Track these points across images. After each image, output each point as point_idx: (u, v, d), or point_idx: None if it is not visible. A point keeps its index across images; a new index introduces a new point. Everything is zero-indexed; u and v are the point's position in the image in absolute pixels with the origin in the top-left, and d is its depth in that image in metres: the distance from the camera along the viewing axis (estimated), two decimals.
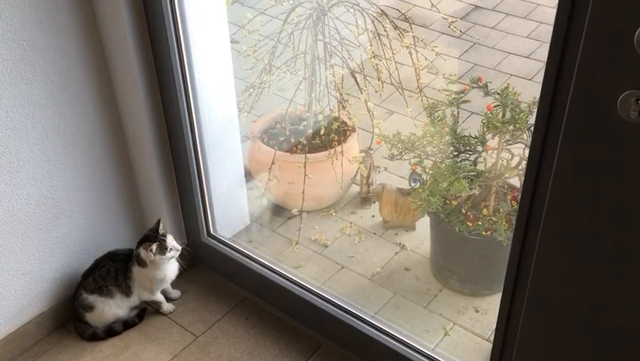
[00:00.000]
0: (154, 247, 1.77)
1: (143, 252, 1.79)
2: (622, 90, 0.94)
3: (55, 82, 1.65)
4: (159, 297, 1.92)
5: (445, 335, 1.86)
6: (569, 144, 1.05)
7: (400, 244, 2.16)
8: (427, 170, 1.85)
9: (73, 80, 1.68)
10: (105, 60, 1.73)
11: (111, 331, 1.87)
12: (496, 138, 1.76)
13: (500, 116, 1.68)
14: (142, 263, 1.81)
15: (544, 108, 1.07)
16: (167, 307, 1.94)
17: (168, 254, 1.80)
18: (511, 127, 1.67)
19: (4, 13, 1.49)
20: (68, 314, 1.90)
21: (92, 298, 1.83)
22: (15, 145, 1.63)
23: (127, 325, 1.90)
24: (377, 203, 2.24)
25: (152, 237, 1.80)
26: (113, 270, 1.84)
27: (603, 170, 1.04)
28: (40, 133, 1.67)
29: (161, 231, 1.81)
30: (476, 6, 3.11)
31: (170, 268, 1.87)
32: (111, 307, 1.85)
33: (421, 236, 2.17)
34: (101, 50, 1.71)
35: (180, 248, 1.83)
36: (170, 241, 1.81)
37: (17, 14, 1.51)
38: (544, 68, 1.05)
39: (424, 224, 2.14)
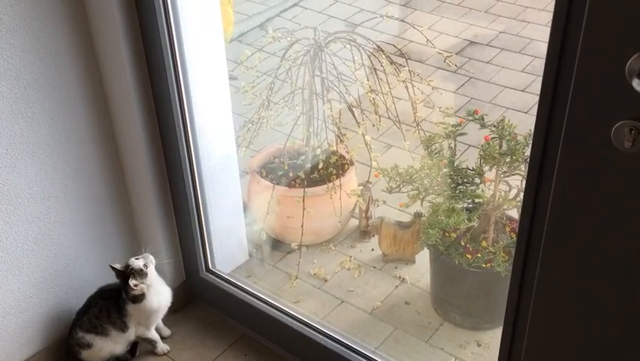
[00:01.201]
0: (133, 282, 1.74)
1: (135, 291, 1.76)
2: (615, 121, 0.96)
3: (54, 119, 1.66)
4: (154, 335, 1.90)
5: None
6: (565, 175, 1.06)
7: (399, 277, 2.15)
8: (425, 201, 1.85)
9: (72, 117, 1.70)
10: (105, 98, 1.75)
11: None
12: (494, 170, 1.77)
13: (497, 147, 1.69)
14: (138, 299, 1.79)
15: (540, 139, 1.08)
16: (161, 347, 1.91)
17: (147, 270, 1.76)
18: (508, 158, 1.68)
19: (5, 52, 1.51)
20: (63, 353, 1.87)
21: (88, 337, 1.81)
22: (14, 182, 1.63)
23: None
24: (376, 236, 2.23)
25: (126, 276, 1.75)
26: (104, 309, 1.82)
27: (600, 200, 1.04)
28: (39, 170, 1.67)
29: (120, 267, 1.77)
30: (471, 41, 3.16)
31: (162, 292, 1.84)
32: (108, 345, 1.83)
33: (420, 269, 2.16)
34: (101, 87, 1.73)
35: (148, 254, 1.78)
36: (135, 262, 1.76)
37: (18, 53, 1.53)
38: (538, 100, 1.06)
39: (423, 257, 2.13)
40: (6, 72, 1.52)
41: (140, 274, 1.75)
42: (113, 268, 1.77)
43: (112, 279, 1.90)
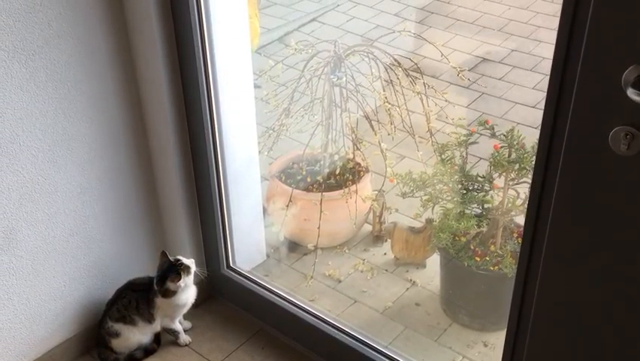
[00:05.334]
0: (180, 277, 1.85)
1: (172, 285, 1.86)
2: (613, 126, 1.05)
3: (93, 119, 1.79)
4: (178, 326, 2.00)
5: None
6: (567, 178, 1.16)
7: (410, 280, 2.24)
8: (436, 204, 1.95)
9: (109, 118, 1.82)
10: (139, 102, 1.87)
11: (132, 358, 1.95)
12: (503, 178, 1.87)
13: (506, 155, 1.79)
14: (169, 294, 1.90)
15: (544, 144, 1.18)
16: (184, 338, 2.01)
17: (192, 270, 1.89)
18: (516, 166, 1.78)
19: (53, 56, 1.64)
20: (93, 341, 1.98)
21: (117, 327, 1.91)
22: (54, 177, 1.75)
23: (147, 352, 1.97)
24: (389, 241, 2.33)
25: (170, 268, 1.87)
26: (134, 300, 1.93)
27: (599, 202, 1.14)
28: (77, 166, 1.80)
29: (172, 259, 1.88)
30: (484, 58, 3.27)
31: (191, 292, 1.95)
32: (135, 334, 1.93)
33: (431, 273, 2.25)
34: (136, 92, 1.85)
35: (193, 260, 1.91)
36: (185, 260, 1.89)
37: (65, 57, 1.66)
38: (544, 107, 1.17)
39: (434, 262, 2.22)
40: (53, 74, 1.65)
41: (187, 271, 1.87)
42: (165, 255, 1.88)
43: (141, 272, 2.02)
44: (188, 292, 1.93)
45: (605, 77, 1.03)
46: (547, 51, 3.21)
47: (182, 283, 1.86)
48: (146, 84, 1.84)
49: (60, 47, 1.64)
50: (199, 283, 2.08)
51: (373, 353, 1.80)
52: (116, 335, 1.92)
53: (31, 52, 1.59)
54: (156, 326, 1.95)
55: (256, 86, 2.25)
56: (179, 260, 1.88)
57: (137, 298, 1.93)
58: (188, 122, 1.89)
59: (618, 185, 1.10)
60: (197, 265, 1.97)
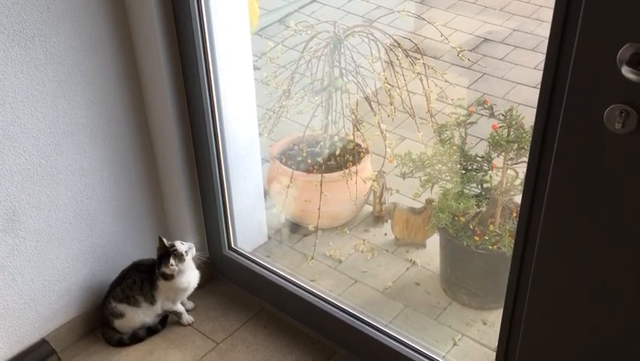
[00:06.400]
0: (171, 260, 1.88)
1: (167, 270, 1.90)
2: (607, 104, 1.06)
3: (93, 101, 1.79)
4: (180, 308, 2.03)
5: (454, 345, 1.94)
6: (563, 157, 1.17)
7: (410, 260, 2.26)
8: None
9: (109, 100, 1.83)
10: (139, 84, 1.88)
11: (136, 337, 1.98)
12: (502, 157, 1.87)
13: (505, 135, 1.80)
14: (167, 278, 1.92)
15: (541, 122, 1.19)
16: (186, 318, 2.04)
17: (187, 257, 1.91)
18: (515, 146, 1.78)
19: (52, 38, 1.64)
20: (97, 321, 2.01)
21: (121, 307, 1.94)
22: (56, 159, 1.77)
23: (151, 331, 2.00)
24: (389, 221, 2.35)
25: (164, 254, 1.90)
26: (139, 280, 1.96)
27: (594, 179, 1.15)
28: (78, 149, 1.81)
29: (167, 243, 1.91)
30: (485, 39, 3.25)
31: (192, 275, 1.97)
32: (139, 315, 1.96)
33: (431, 253, 2.27)
34: (136, 75, 1.86)
35: (192, 244, 1.93)
36: (180, 246, 1.91)
37: (64, 40, 1.67)
38: (540, 87, 1.17)
39: (434, 242, 2.24)
40: (52, 57, 1.66)
41: (180, 258, 1.89)
42: (161, 240, 1.91)
43: (143, 254, 2.04)
44: (188, 276, 1.95)
45: (601, 55, 1.04)
46: (548, 31, 3.18)
47: (174, 267, 1.88)
48: (145, 67, 1.84)
49: (59, 29, 1.64)
50: (200, 264, 2.10)
51: (374, 331, 1.83)
52: (120, 315, 1.94)
53: (30, 35, 1.60)
54: (157, 308, 1.98)
55: (256, 68, 2.25)
56: (173, 246, 1.90)
57: (142, 278, 1.96)
58: (188, 105, 1.90)
59: (613, 163, 1.11)
60: (199, 246, 1.99)
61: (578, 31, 1.06)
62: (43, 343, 1.84)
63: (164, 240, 1.92)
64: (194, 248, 1.94)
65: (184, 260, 1.90)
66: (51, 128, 1.73)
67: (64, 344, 1.96)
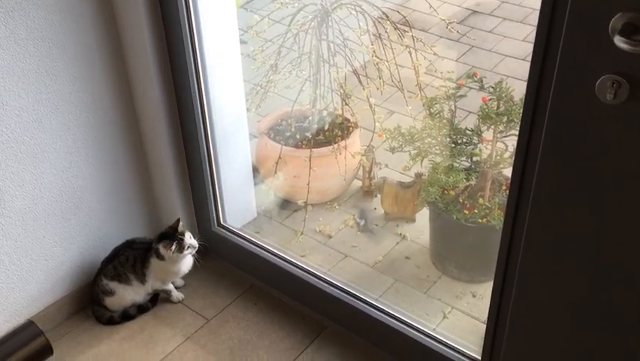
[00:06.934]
0: (173, 246, 1.87)
1: (162, 249, 1.89)
2: (599, 75, 1.05)
3: (77, 77, 1.76)
4: (170, 286, 2.02)
5: (444, 318, 1.96)
6: (554, 128, 1.16)
7: (400, 234, 2.27)
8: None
9: (93, 76, 1.79)
10: (124, 61, 1.84)
11: (127, 315, 1.98)
12: (491, 130, 1.87)
13: (495, 108, 1.79)
14: (160, 257, 1.91)
15: (531, 94, 1.18)
16: (176, 295, 2.03)
17: (186, 252, 1.90)
18: (504, 119, 1.78)
19: (32, 13, 1.60)
20: (86, 299, 2.00)
21: (112, 285, 1.93)
22: (40, 136, 1.73)
23: (141, 309, 2.00)
24: (379, 196, 2.34)
25: (172, 235, 1.89)
26: (131, 258, 1.94)
27: (585, 150, 1.14)
28: (62, 126, 1.78)
29: (180, 229, 1.90)
30: (474, 11, 3.23)
31: (185, 263, 1.97)
32: (130, 293, 1.95)
33: (420, 227, 2.27)
34: (120, 50, 1.82)
35: (197, 245, 1.93)
36: (188, 240, 1.90)
37: (43, 14, 1.62)
38: (531, 58, 1.16)
39: (423, 216, 2.24)
40: (33, 32, 1.62)
41: (180, 248, 1.88)
42: (178, 222, 1.90)
43: (132, 233, 2.02)
44: (181, 263, 1.94)
45: (592, 24, 1.02)
46: (537, 2, 3.15)
47: (171, 253, 1.87)
48: (129, 42, 1.80)
49: (39, 3, 1.60)
50: None
51: (364, 305, 1.83)
52: (111, 293, 1.93)
53: (9, 8, 1.55)
54: (148, 288, 1.97)
55: (242, 42, 2.21)
56: (182, 234, 1.89)
57: (135, 256, 1.95)
58: (174, 80, 1.87)
59: (605, 134, 1.10)
60: (188, 224, 1.98)
61: (569, 1, 1.04)
62: (29, 324, 1.82)
63: (181, 224, 1.90)
64: (196, 245, 1.93)
65: (182, 252, 1.89)
66: (34, 105, 1.69)
67: (54, 323, 1.95)
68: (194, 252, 1.93)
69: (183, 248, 1.88)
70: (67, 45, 1.70)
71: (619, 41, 0.99)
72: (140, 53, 1.80)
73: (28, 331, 1.66)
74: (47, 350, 1.63)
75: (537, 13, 1.13)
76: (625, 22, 0.99)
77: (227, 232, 2.12)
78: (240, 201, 2.26)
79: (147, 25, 1.74)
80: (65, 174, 1.83)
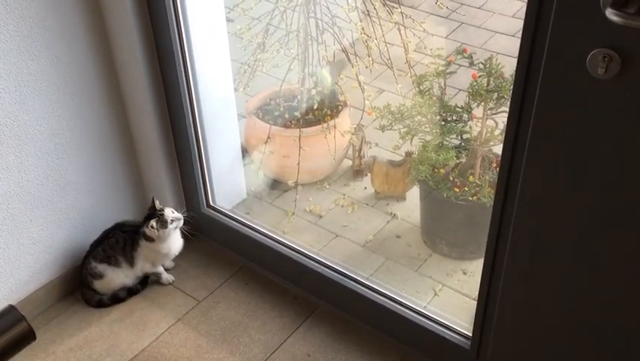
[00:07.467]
0: (153, 222, 1.85)
1: (147, 230, 1.87)
2: (591, 49, 1.04)
3: (60, 58, 1.72)
4: (160, 269, 2.01)
5: (435, 295, 1.96)
6: (544, 103, 1.15)
7: (391, 213, 2.26)
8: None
9: (77, 57, 1.76)
10: (109, 41, 1.81)
11: (116, 298, 1.96)
12: (481, 108, 1.85)
13: (485, 85, 1.77)
14: (149, 239, 1.90)
15: (522, 68, 1.16)
16: (166, 277, 2.02)
17: (171, 226, 1.88)
18: (494, 95, 1.76)
19: None
20: (76, 282, 1.98)
21: (101, 267, 1.91)
22: (23, 118, 1.70)
23: (131, 292, 1.99)
24: (369, 175, 2.33)
25: (152, 214, 1.88)
26: (121, 240, 1.93)
27: (576, 125, 1.13)
28: (46, 107, 1.74)
29: (158, 207, 1.89)
30: None
31: (175, 242, 1.95)
32: (119, 276, 1.94)
33: (411, 206, 2.26)
34: (103, 28, 1.78)
35: (182, 216, 1.91)
36: (169, 213, 1.88)
37: None
38: (521, 33, 1.14)
39: (414, 194, 2.24)
40: (13, 10, 1.57)
41: (163, 224, 1.86)
42: (153, 201, 1.89)
43: (121, 216, 2.00)
44: (170, 243, 1.93)
45: None
46: None
47: (154, 231, 1.86)
48: (113, 21, 1.76)
49: None
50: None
51: (355, 284, 1.83)
52: (100, 276, 1.92)
53: None
54: (137, 271, 1.96)
55: (229, 20, 2.18)
56: (162, 210, 1.87)
57: (125, 239, 1.93)
58: (160, 60, 1.84)
59: (596, 109, 1.09)
60: (177, 205, 1.96)
61: None
62: (10, 309, 1.80)
63: (157, 202, 1.89)
64: (182, 221, 1.91)
65: (166, 227, 1.87)
66: (16, 86, 1.65)
67: (43, 306, 1.93)
68: (180, 224, 1.91)
69: (166, 222, 1.87)
70: (50, 24, 1.66)
71: (610, 14, 0.98)
72: (125, 33, 1.76)
73: (8, 317, 1.63)
74: (30, 335, 1.60)
75: None
76: None
77: (217, 213, 2.10)
78: (230, 182, 2.24)
79: (131, 3, 1.70)
80: (50, 157, 1.80)
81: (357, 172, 2.40)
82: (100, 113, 1.88)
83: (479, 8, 3.07)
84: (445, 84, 1.92)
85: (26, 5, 1.60)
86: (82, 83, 1.79)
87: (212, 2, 1.93)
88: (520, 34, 1.14)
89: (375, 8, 2.17)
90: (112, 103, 1.90)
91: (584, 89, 1.08)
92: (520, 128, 1.23)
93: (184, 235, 1.98)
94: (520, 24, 1.13)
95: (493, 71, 1.76)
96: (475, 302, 1.56)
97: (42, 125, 1.75)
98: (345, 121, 2.34)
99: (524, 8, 1.12)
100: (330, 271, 1.87)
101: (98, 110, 1.87)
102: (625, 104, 1.06)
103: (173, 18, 1.74)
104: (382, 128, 2.00)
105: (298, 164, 2.20)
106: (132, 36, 1.75)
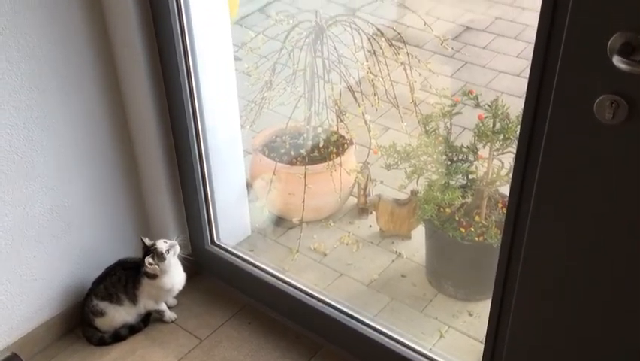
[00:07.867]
0: (149, 259, 1.84)
1: (147, 269, 1.86)
2: (598, 94, 1.04)
3: (69, 95, 1.74)
4: (163, 306, 1.99)
5: (441, 337, 1.93)
6: (552, 147, 1.15)
7: (396, 252, 2.24)
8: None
9: (85, 94, 1.77)
10: (117, 79, 1.82)
11: (118, 336, 1.94)
12: (487, 148, 1.85)
13: (491, 126, 1.78)
14: (152, 276, 1.88)
15: (529, 113, 1.17)
16: (169, 315, 2.00)
17: (168, 255, 1.86)
18: (500, 136, 1.76)
19: (24, 29, 1.58)
20: (77, 320, 1.96)
21: (102, 305, 1.89)
22: (31, 155, 1.71)
23: (133, 330, 1.96)
24: (374, 213, 2.32)
25: (146, 253, 1.87)
26: (123, 278, 1.91)
27: (584, 170, 1.13)
28: (54, 144, 1.75)
29: (148, 243, 1.87)
30: (468, 27, 3.24)
31: (177, 276, 1.93)
32: (121, 314, 1.92)
33: (416, 245, 2.25)
34: (113, 67, 1.80)
35: (175, 242, 1.89)
36: (162, 245, 1.86)
37: (36, 30, 1.60)
38: (528, 77, 1.15)
39: (419, 233, 2.22)
40: (24, 49, 1.60)
41: (160, 257, 1.85)
42: (142, 241, 1.87)
43: (124, 252, 1.99)
44: (173, 277, 1.91)
45: (591, 44, 1.01)
46: (530, 18, 3.17)
47: (154, 266, 1.85)
48: (122, 59, 1.79)
49: (30, 18, 1.58)
50: (183, 261, 2.06)
51: (360, 325, 1.80)
52: (101, 313, 1.90)
53: (0, 25, 1.53)
54: (140, 308, 1.94)
55: (237, 59, 2.20)
56: (153, 245, 1.86)
57: (127, 276, 1.91)
58: (168, 97, 1.85)
59: (604, 154, 1.09)
60: (180, 242, 1.95)
61: (567, 20, 1.03)
62: (13, 357, 1.78)
63: (145, 240, 1.88)
64: (177, 246, 1.89)
65: (164, 259, 1.85)
66: (24, 122, 1.67)
67: (43, 344, 1.91)
68: (177, 250, 1.89)
69: (162, 254, 1.85)
70: (59, 62, 1.68)
71: (617, 61, 0.98)
72: (133, 71, 1.78)
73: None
74: None
75: (531, 29, 1.12)
76: (623, 42, 0.98)
77: (221, 250, 2.09)
78: (235, 218, 2.23)
79: (140, 43, 1.73)
80: (56, 193, 1.81)
81: (362, 210, 2.39)
82: (107, 151, 1.89)
83: (484, 48, 3.11)
84: (450, 124, 1.93)
85: (38, 43, 1.61)
86: (89, 120, 1.81)
87: (220, 41, 1.95)
88: (524, 74, 1.15)
89: (381, 48, 2.20)
90: (119, 139, 1.91)
91: (592, 133, 1.08)
92: (527, 171, 1.22)
93: (186, 270, 1.96)
94: (524, 64, 1.14)
95: (499, 113, 1.77)
96: (482, 345, 1.53)
97: (50, 162, 1.75)
98: (350, 159, 2.34)
99: (528, 49, 1.13)
100: (334, 310, 1.85)
101: (105, 147, 1.88)
102: (633, 149, 1.05)
103: (182, 56, 1.77)
104: (388, 167, 2.00)
105: (303, 201, 2.19)
106: (141, 75, 1.77)
